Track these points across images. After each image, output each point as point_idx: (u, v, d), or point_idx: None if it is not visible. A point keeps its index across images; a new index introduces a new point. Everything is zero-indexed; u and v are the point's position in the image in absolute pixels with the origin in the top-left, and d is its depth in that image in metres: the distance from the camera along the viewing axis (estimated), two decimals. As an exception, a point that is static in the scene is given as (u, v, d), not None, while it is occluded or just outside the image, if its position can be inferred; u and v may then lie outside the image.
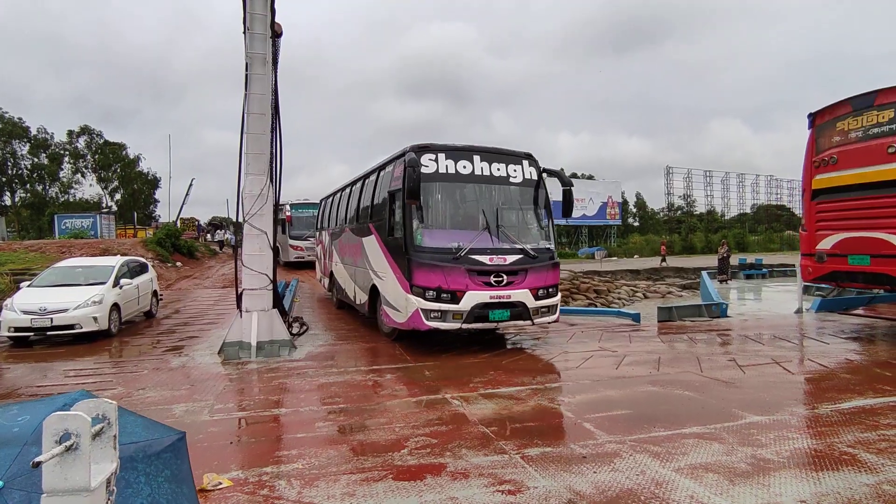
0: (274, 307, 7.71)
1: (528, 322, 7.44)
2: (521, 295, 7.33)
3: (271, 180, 7.70)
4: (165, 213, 51.61)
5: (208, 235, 41.26)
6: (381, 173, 8.73)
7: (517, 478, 3.39)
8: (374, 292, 8.71)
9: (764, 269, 24.71)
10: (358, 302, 9.89)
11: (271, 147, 7.68)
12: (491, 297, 7.15)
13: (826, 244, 8.82)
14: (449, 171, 7.50)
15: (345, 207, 11.29)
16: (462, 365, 6.76)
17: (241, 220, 7.62)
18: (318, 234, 15.16)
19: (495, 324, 7.37)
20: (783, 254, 42.27)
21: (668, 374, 6.11)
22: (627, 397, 5.21)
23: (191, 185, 49.15)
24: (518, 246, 7.56)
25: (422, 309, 7.00)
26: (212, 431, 4.38)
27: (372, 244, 8.61)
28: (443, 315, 7.03)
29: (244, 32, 7.45)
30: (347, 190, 11.34)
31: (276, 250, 8.09)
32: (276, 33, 7.61)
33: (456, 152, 7.60)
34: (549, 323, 7.85)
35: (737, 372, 6.13)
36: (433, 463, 3.65)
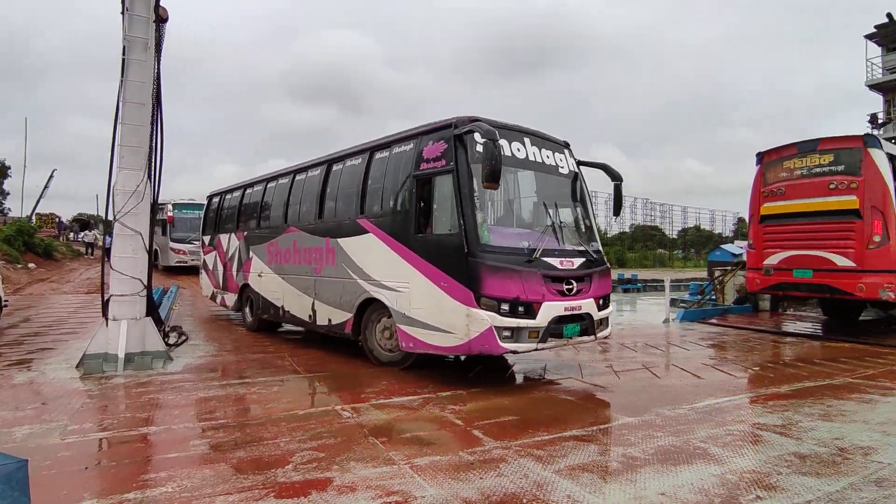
0: (148, 315, 7.03)
1: (591, 337, 6.39)
2: (589, 305, 6.26)
3: (149, 176, 7.04)
4: (17, 206, 45.19)
5: (72, 234, 36.76)
6: (384, 154, 7.08)
7: (405, 488, 3.36)
8: (363, 309, 7.11)
9: (639, 284, 27.16)
10: (327, 322, 7.83)
11: (151, 140, 7.03)
12: (565, 309, 6.00)
13: (773, 260, 10.84)
14: (505, 154, 6.05)
15: (282, 202, 9.28)
16: (355, 375, 6.62)
17: (111, 217, 6.88)
18: (208, 238, 12.63)
19: (566, 341, 6.17)
20: (655, 270, 46.68)
21: (553, 380, 6.45)
22: (515, 404, 5.41)
23: (51, 176, 43.56)
24: (581, 248, 6.56)
25: (496, 327, 5.57)
26: (63, 456, 3.86)
27: (369, 246, 6.98)
28: (516, 334, 5.66)
29: (122, 13, 6.79)
30: (285, 180, 9.32)
31: (153, 253, 7.40)
32: (160, 18, 7.02)
33: (508, 132, 6.30)
34: (605, 338, 6.85)
35: (613, 377, 6.62)
36: (319, 478, 3.51)
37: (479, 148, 5.72)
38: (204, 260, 13.12)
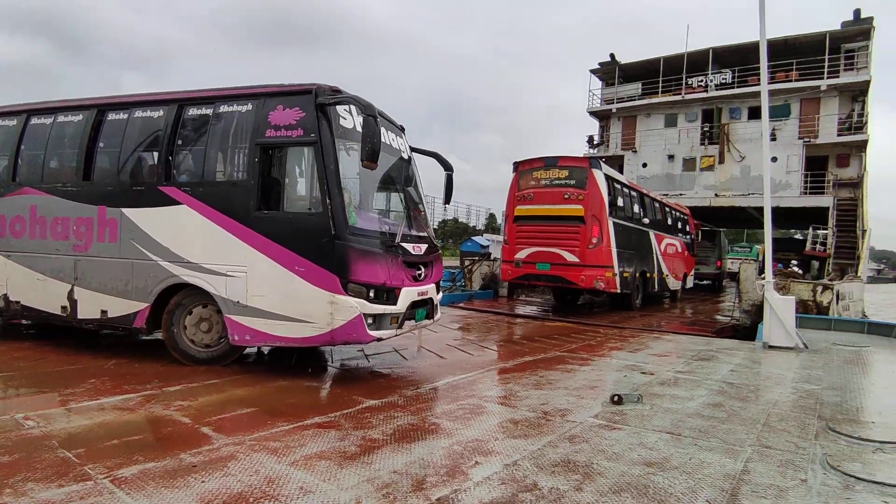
0: None
1: (431, 321, 6.56)
2: (432, 290, 6.38)
3: None
4: None
5: None
6: (203, 111, 6.00)
7: (99, 508, 2.76)
8: (165, 298, 5.91)
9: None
10: (99, 315, 6.24)
11: None
12: (419, 294, 6.02)
13: (522, 254, 12.84)
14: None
15: (3, 153, 7.06)
16: (52, 373, 5.36)
17: None
18: None
19: (415, 326, 6.18)
20: (419, 258, 50.06)
21: (301, 367, 6.21)
22: (256, 394, 5.02)
23: None
24: (423, 233, 6.59)
25: (365, 314, 5.29)
26: None
27: (181, 220, 5.82)
28: (378, 321, 5.48)
29: None
30: (9, 122, 7.05)
31: None
32: None
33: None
34: (436, 321, 6.98)
35: (363, 361, 6.72)
36: (-30, 512, 2.66)
37: (344, 122, 5.55)
38: None
